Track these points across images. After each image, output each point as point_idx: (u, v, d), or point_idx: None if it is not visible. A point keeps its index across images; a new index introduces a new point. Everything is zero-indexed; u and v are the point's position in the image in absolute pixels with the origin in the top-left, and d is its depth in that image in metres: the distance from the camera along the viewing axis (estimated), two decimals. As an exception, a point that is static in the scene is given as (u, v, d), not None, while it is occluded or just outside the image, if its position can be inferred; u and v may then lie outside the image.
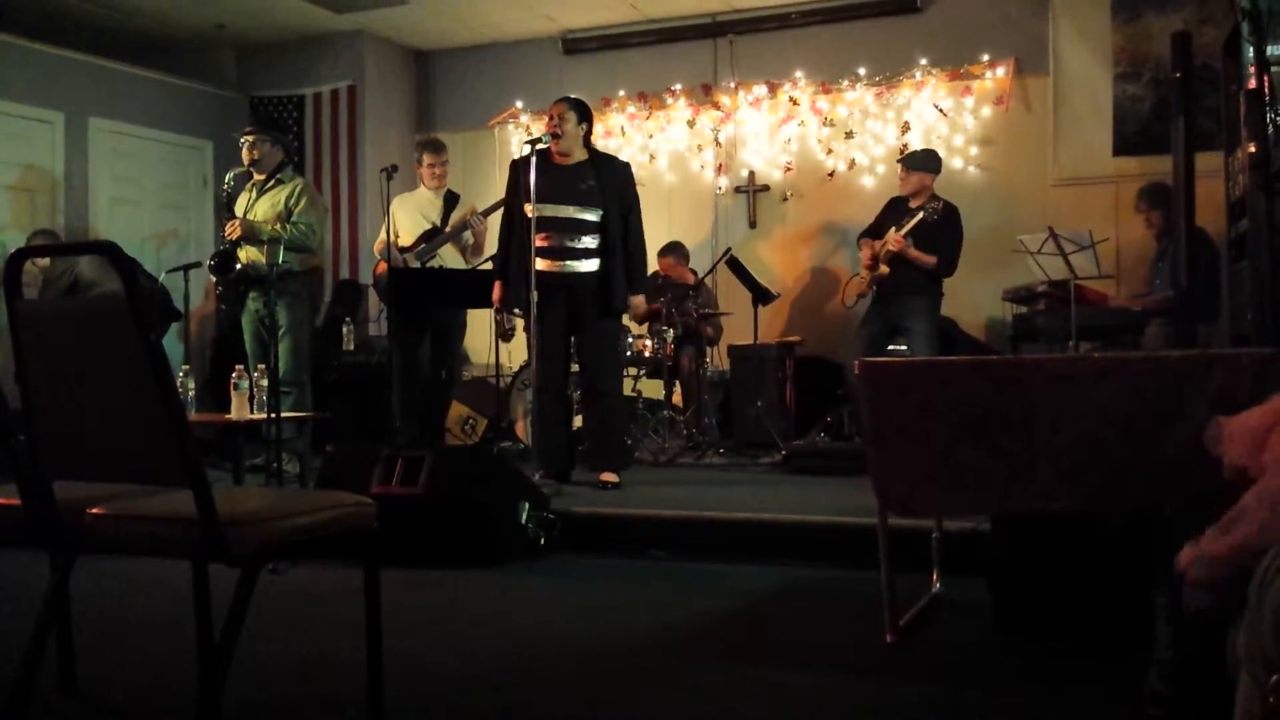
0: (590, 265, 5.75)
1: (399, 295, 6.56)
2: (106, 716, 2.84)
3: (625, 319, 6.29)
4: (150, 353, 2.09)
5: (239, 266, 6.53)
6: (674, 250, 8.11)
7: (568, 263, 5.72)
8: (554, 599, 4.10)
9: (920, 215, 6.56)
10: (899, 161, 7.11)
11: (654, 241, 6.95)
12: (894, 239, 6.59)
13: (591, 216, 5.73)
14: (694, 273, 8.10)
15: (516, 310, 6.14)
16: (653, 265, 7.99)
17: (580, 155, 5.84)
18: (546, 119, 5.87)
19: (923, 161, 6.92)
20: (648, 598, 4.05)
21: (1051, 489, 3.15)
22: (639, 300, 5.97)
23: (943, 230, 6.62)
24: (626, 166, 6.10)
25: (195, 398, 5.83)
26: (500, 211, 6.43)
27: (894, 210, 6.89)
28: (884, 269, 6.68)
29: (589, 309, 5.75)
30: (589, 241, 5.74)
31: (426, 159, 7.14)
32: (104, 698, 2.92)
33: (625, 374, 7.58)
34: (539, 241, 5.66)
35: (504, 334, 6.80)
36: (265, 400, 5.56)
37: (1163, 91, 7.35)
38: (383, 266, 6.88)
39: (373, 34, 9.27)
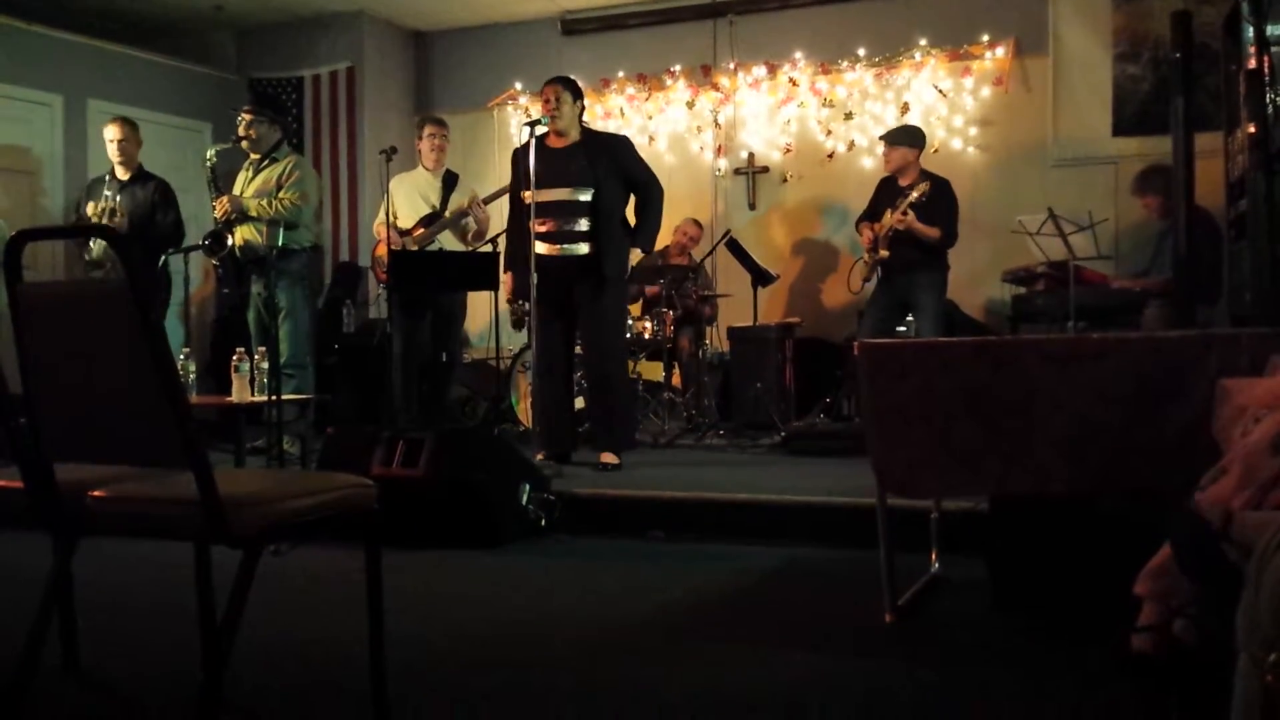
0: (584, 248, 5.76)
1: (399, 277, 6.56)
2: (109, 698, 2.85)
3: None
4: (151, 335, 2.09)
5: (231, 244, 6.53)
6: (694, 223, 8.24)
7: (565, 246, 5.74)
8: (554, 580, 4.11)
9: (913, 196, 6.54)
10: (881, 138, 7.06)
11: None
12: (896, 219, 6.57)
13: (584, 197, 5.74)
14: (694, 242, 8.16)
15: (524, 303, 6.12)
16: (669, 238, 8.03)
17: (575, 135, 5.84)
18: (542, 102, 5.86)
19: (904, 137, 6.87)
20: (648, 578, 4.07)
21: (1050, 469, 3.16)
22: (636, 253, 5.92)
23: (939, 203, 6.61)
24: (622, 141, 6.09)
25: (196, 380, 5.84)
26: (502, 199, 6.45)
27: (886, 190, 6.86)
28: (884, 253, 6.66)
29: (587, 291, 5.76)
30: (583, 224, 5.75)
31: (428, 130, 7.10)
32: (107, 679, 2.94)
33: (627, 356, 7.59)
34: (538, 226, 5.69)
35: (518, 322, 6.79)
36: (266, 382, 5.57)
37: (1162, 71, 7.33)
38: (381, 249, 6.87)
39: (372, 15, 9.24)
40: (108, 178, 7.03)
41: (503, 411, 7.36)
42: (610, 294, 5.80)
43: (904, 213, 6.52)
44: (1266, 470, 2.05)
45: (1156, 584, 2.44)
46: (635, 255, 5.97)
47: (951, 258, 6.76)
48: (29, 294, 2.33)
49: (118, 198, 6.92)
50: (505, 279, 6.10)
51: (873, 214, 6.86)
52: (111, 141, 6.99)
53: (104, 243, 6.76)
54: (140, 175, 7.05)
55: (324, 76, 9.34)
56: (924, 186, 6.53)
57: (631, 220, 5.97)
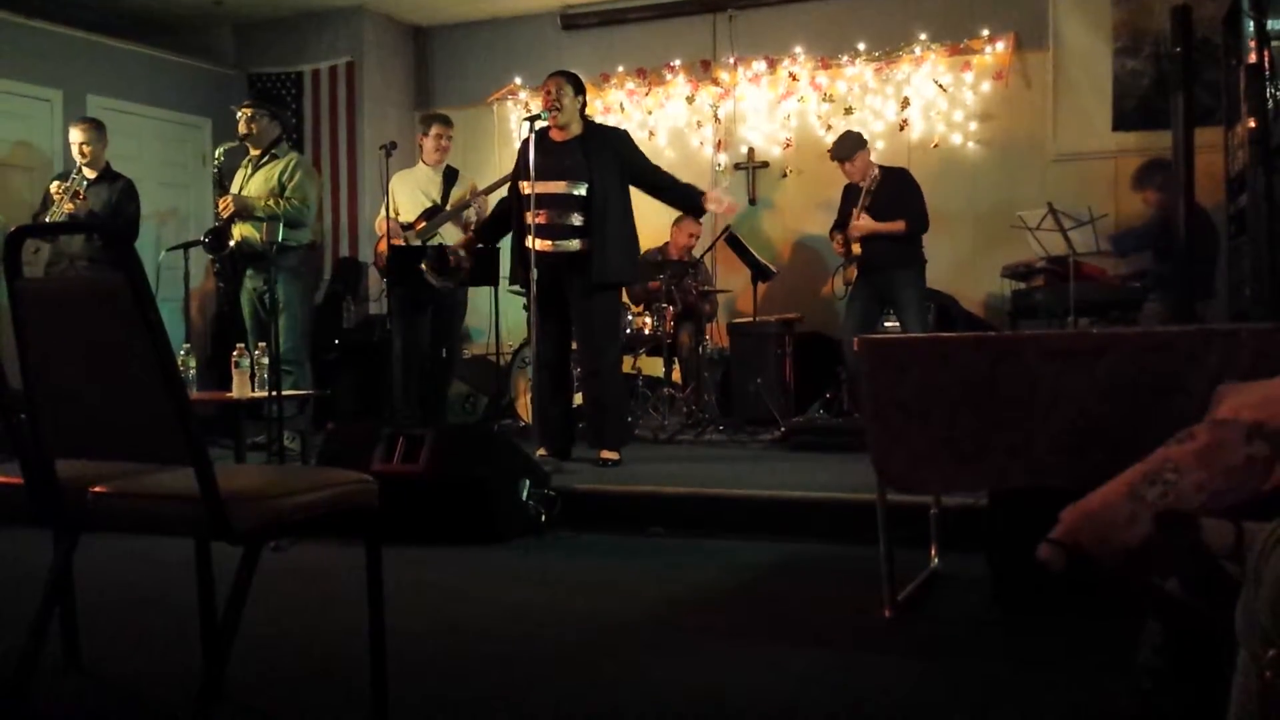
0: (576, 244, 5.73)
1: (399, 273, 6.55)
2: (110, 694, 2.86)
3: (625, 298, 6.29)
4: (151, 331, 2.09)
5: (232, 243, 6.53)
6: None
7: (559, 241, 5.72)
8: (554, 576, 4.12)
9: (871, 192, 6.69)
10: (834, 159, 7.00)
11: (655, 218, 6.98)
12: (855, 226, 6.70)
13: (579, 192, 5.71)
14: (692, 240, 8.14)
15: (517, 287, 6.11)
16: (664, 237, 7.99)
17: (576, 129, 5.83)
18: (544, 94, 5.85)
19: (854, 145, 6.88)
20: (648, 574, 4.07)
21: (1050, 464, 3.16)
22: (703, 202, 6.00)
23: (900, 193, 6.69)
24: (621, 134, 6.08)
25: (197, 376, 5.84)
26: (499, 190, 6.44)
27: (850, 196, 6.96)
28: (856, 248, 6.75)
29: (579, 286, 5.74)
30: (577, 219, 5.73)
31: (434, 129, 7.06)
32: (108, 675, 2.94)
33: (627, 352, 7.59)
34: (538, 219, 5.68)
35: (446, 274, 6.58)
36: (266, 378, 5.56)
37: (1163, 66, 7.32)
38: (383, 245, 6.86)
39: (371, 10, 9.23)
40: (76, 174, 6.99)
41: (503, 407, 7.36)
42: (600, 290, 5.76)
43: (858, 218, 6.69)
44: (1234, 456, 2.04)
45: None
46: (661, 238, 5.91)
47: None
48: (29, 290, 2.33)
49: (85, 195, 6.89)
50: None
51: (843, 222, 6.93)
52: (74, 145, 6.94)
53: (65, 237, 6.67)
54: (107, 174, 7.00)
55: (324, 71, 9.33)
56: (872, 176, 6.69)
57: (633, 219, 5.92)
